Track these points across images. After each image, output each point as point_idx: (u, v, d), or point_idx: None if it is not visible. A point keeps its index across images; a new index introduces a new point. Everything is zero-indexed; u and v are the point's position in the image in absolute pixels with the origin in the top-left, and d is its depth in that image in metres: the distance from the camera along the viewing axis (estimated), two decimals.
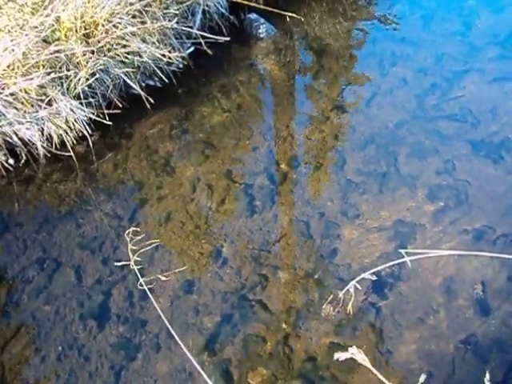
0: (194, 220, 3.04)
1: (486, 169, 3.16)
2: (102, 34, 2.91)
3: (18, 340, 2.54)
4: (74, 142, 3.17)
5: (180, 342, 1.57)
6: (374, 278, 2.40)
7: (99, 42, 2.92)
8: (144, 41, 3.06)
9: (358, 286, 2.41)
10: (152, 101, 3.38)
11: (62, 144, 3.18)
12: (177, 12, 3.10)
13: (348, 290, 2.43)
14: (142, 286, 2.25)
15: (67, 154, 3.26)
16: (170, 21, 3.03)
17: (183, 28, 3.35)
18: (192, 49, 3.62)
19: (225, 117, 3.65)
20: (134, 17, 3.02)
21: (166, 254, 2.87)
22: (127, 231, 2.53)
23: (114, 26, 2.92)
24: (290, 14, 3.95)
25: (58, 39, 2.93)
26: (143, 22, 3.03)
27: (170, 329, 1.66)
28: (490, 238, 2.81)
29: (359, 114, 3.68)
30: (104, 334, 2.56)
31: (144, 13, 3.03)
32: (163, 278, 2.73)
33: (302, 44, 4.28)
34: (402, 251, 2.11)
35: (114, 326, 2.59)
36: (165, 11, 3.12)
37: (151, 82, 3.46)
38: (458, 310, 2.53)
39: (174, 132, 3.51)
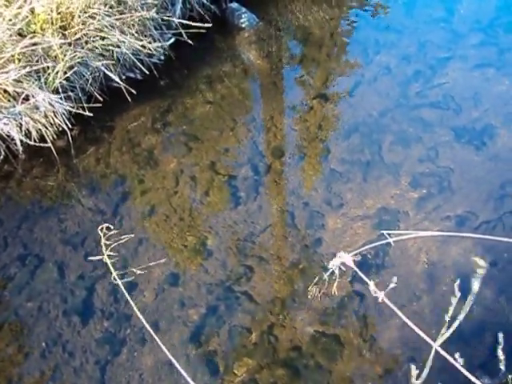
0: (177, 213, 3.02)
1: (468, 155, 3.18)
2: (78, 25, 2.85)
3: (1, 337, 2.53)
4: (54, 136, 3.13)
5: (155, 337, 1.56)
6: (358, 262, 2.42)
7: (76, 33, 2.86)
8: (123, 32, 3.01)
9: (343, 267, 2.43)
10: (133, 93, 3.33)
11: (42, 139, 3.13)
12: (155, 2, 3.05)
13: (333, 271, 2.45)
14: (115, 279, 2.23)
15: (47, 148, 3.22)
16: (148, 11, 2.97)
17: (163, 18, 3.30)
18: (173, 40, 3.56)
19: (208, 108, 3.62)
20: (111, 7, 2.96)
21: (151, 248, 2.85)
22: (100, 226, 2.50)
23: (90, 17, 2.86)
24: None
25: (34, 32, 2.87)
26: (121, 13, 2.98)
27: (145, 323, 1.65)
28: (473, 224, 2.83)
29: (343, 103, 3.67)
30: (88, 330, 2.54)
31: (122, 3, 2.97)
32: (147, 272, 2.73)
33: (285, 33, 4.23)
34: (385, 232, 2.12)
35: (98, 321, 2.57)
36: (143, 1, 3.06)
37: (132, 75, 3.41)
38: (441, 295, 2.56)
39: (156, 124, 3.47)
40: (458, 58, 3.89)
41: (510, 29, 4.08)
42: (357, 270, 1.68)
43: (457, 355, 1.84)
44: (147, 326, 1.72)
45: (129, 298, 2.10)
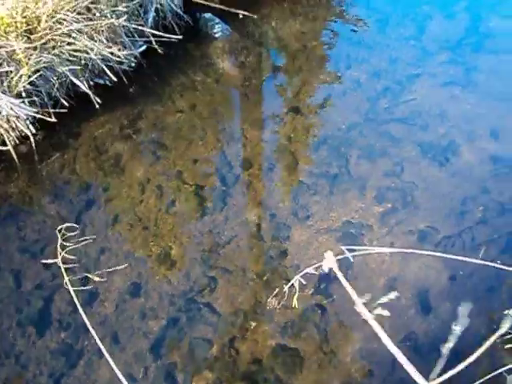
0: (142, 222, 2.98)
1: (432, 171, 3.24)
2: (45, 30, 2.80)
3: None
4: (17, 141, 3.06)
5: (104, 351, 1.52)
6: (320, 276, 2.44)
7: (42, 38, 2.81)
8: (92, 38, 2.98)
9: (303, 281, 2.44)
10: (100, 100, 3.29)
11: (3, 144, 3.06)
12: (125, 10, 3.03)
13: (293, 284, 2.45)
14: (66, 286, 2.17)
15: (9, 153, 3.14)
16: (118, 18, 2.94)
17: (135, 26, 3.27)
18: (144, 47, 3.54)
19: (179, 117, 3.60)
20: (79, 13, 2.93)
21: (113, 257, 2.81)
22: (59, 227, 2.45)
23: (58, 22, 2.82)
24: (244, 13, 3.90)
25: None
26: (90, 19, 2.94)
27: (95, 335, 1.61)
28: (434, 239, 2.88)
29: (313, 116, 3.71)
30: (44, 341, 2.48)
31: (91, 10, 2.94)
32: (108, 281, 2.68)
33: (258, 44, 4.26)
34: (343, 248, 2.14)
35: (55, 332, 2.51)
36: (113, 9, 3.04)
37: (101, 81, 3.37)
38: (401, 309, 2.59)
39: (124, 132, 3.43)
40: (427, 75, 3.98)
41: (476, 48, 4.20)
42: (340, 276, 1.68)
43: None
44: (96, 338, 1.68)
45: (79, 307, 2.04)
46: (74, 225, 2.83)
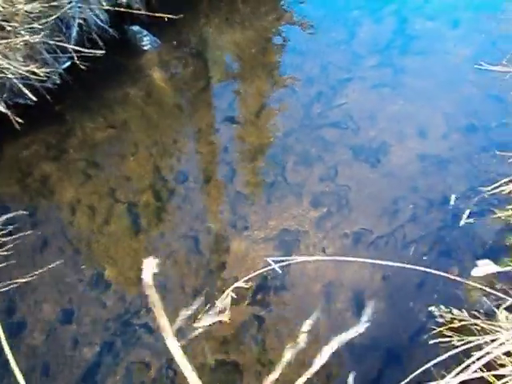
0: (73, 244, 2.87)
1: (364, 173, 3.31)
2: None
3: None
4: None
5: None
6: (254, 288, 2.43)
7: None
8: (6, 57, 2.85)
9: (234, 295, 2.42)
10: (23, 120, 3.13)
11: None
12: (41, 26, 2.92)
13: (224, 299, 2.43)
14: None
15: None
16: (34, 35, 2.83)
17: (56, 43, 3.16)
18: (69, 63, 3.43)
19: (109, 133, 3.50)
20: None
21: (41, 286, 2.69)
22: None
23: None
24: (168, 16, 3.79)
25: None
26: (3, 38, 2.81)
27: (17, 374, 1.52)
28: (368, 240, 2.94)
29: (249, 125, 3.71)
30: None
31: (4, 28, 2.81)
32: (37, 310, 2.56)
33: (191, 55, 4.22)
34: (269, 259, 2.15)
35: None
36: (28, 26, 2.92)
37: (21, 101, 3.22)
38: (337, 313, 2.62)
39: (51, 152, 3.30)
40: (357, 79, 4.08)
41: (404, 51, 4.34)
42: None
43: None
44: (18, 374, 1.59)
45: (3, 340, 1.92)
46: None
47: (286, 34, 4.62)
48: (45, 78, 2.97)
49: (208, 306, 2.52)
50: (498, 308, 2.06)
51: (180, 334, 2.47)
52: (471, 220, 2.92)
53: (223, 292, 2.69)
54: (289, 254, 2.87)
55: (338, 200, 3.16)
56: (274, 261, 2.05)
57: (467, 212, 2.91)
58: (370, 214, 3.07)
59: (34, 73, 3.02)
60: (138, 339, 2.55)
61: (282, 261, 2.11)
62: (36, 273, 2.64)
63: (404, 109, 3.78)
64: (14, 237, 2.79)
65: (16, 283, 2.60)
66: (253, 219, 3.09)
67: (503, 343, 1.61)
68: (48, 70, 3.08)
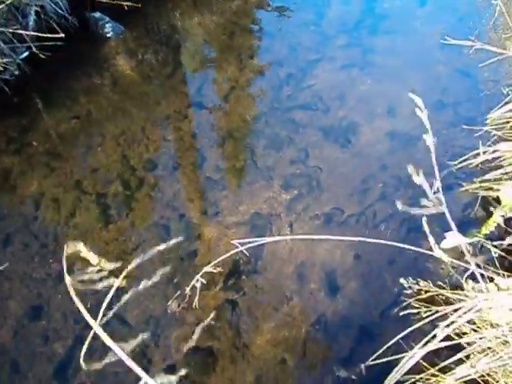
0: (39, 239, 2.80)
1: (334, 153, 3.30)
2: None
3: None
4: None
5: None
6: (227, 272, 2.42)
7: None
8: None
9: (204, 280, 2.40)
10: None
11: None
12: None
13: (194, 285, 2.41)
14: None
15: None
16: None
17: (11, 31, 3.05)
18: (27, 53, 3.31)
19: (74, 124, 3.41)
20: None
21: (5, 282, 2.62)
22: None
23: None
24: (130, 4, 3.69)
25: None
26: None
27: None
28: (339, 219, 2.94)
29: (217, 110, 3.65)
30: None
31: None
32: (3, 308, 2.50)
33: (157, 42, 4.13)
34: (235, 242, 2.14)
35: None
36: None
37: None
38: (310, 293, 2.62)
39: (12, 146, 3.19)
40: (327, 59, 4.05)
41: (372, 31, 4.33)
42: None
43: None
44: None
45: None
46: None
47: (255, 17, 4.56)
48: (8, 69, 2.86)
49: (178, 293, 2.50)
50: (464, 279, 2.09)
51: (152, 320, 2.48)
52: (439, 195, 2.94)
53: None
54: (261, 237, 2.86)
55: (308, 182, 3.15)
56: (241, 243, 2.02)
57: (435, 186, 2.93)
58: (340, 195, 3.07)
59: None
60: (110, 331, 2.51)
61: (250, 242, 2.08)
62: (0, 268, 2.58)
63: (373, 88, 3.77)
64: None
65: None
66: (224, 204, 3.06)
67: (466, 312, 1.62)
68: (5, 61, 2.97)
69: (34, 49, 3.06)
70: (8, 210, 2.90)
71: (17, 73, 3.25)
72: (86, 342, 1.14)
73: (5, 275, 2.61)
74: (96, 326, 1.07)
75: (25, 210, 2.89)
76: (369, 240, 2.24)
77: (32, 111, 3.42)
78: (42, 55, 3.11)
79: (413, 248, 2.36)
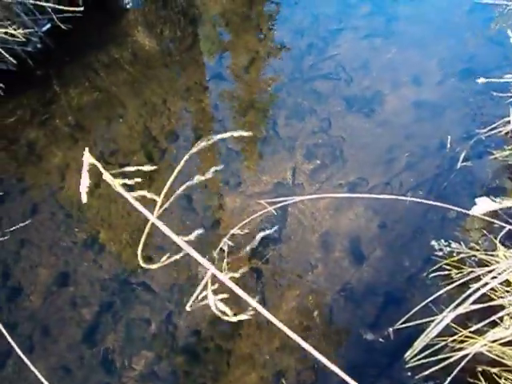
0: (65, 209, 2.83)
1: (358, 123, 3.23)
2: None
3: None
4: None
5: (22, 355, 1.42)
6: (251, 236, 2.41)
7: None
8: None
9: (231, 243, 2.39)
10: (6, 86, 3.05)
11: None
12: None
13: (221, 248, 2.41)
14: None
15: None
16: None
17: (32, 2, 3.03)
18: (49, 26, 3.30)
19: (96, 96, 3.40)
20: None
21: (34, 249, 2.66)
22: None
23: None
24: None
25: None
26: None
27: (11, 341, 1.51)
28: (363, 189, 2.89)
29: (238, 81, 3.60)
30: None
31: None
32: (33, 274, 2.55)
33: (174, 13, 4.07)
34: (262, 201, 2.10)
35: None
36: None
37: (2, 66, 3.12)
38: (335, 262, 2.60)
39: (37, 118, 3.21)
40: (349, 29, 3.94)
41: None
42: None
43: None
44: (8, 337, 1.57)
45: None
46: None
47: None
48: (25, 41, 2.86)
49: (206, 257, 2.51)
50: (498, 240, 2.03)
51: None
52: (469, 163, 2.87)
53: (222, 249, 2.68)
54: (284, 208, 2.84)
55: (331, 151, 3.10)
56: (269, 203, 1.99)
57: (463, 154, 2.85)
58: (364, 164, 3.01)
59: (12, 35, 2.91)
60: (136, 297, 2.53)
61: (277, 202, 2.05)
62: (28, 237, 2.62)
63: (398, 57, 3.66)
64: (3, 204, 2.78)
65: (9, 249, 2.59)
66: (246, 175, 3.03)
67: (501, 273, 1.58)
68: (27, 31, 2.96)
69: (57, 21, 3.04)
70: (34, 180, 2.93)
71: (39, 46, 3.25)
72: (142, 238, 1.14)
73: (34, 243, 2.66)
74: (154, 219, 1.06)
75: (50, 181, 2.92)
76: (401, 198, 2.20)
77: (54, 84, 3.43)
78: (64, 27, 3.09)
79: (448, 206, 2.31)
